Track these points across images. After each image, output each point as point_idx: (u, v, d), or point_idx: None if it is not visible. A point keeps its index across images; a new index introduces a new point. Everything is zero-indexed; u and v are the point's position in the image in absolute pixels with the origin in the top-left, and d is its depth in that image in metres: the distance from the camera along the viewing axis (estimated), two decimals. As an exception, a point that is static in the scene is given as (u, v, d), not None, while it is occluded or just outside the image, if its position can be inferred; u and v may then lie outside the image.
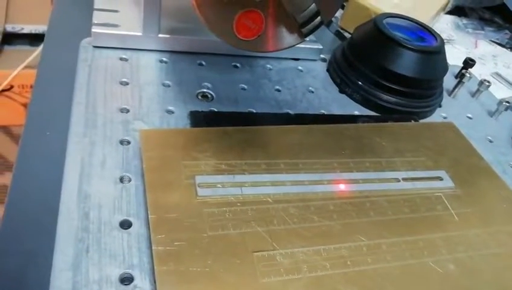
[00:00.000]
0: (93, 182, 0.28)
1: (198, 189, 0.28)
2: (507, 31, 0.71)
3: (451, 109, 0.45)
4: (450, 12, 0.72)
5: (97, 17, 0.39)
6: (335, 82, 0.44)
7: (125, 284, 0.24)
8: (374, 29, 0.42)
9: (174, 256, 0.24)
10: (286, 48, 0.30)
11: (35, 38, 1.16)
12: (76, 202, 0.27)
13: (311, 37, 0.30)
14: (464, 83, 0.47)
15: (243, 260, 0.25)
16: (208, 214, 0.27)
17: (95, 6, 0.40)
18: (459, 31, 0.70)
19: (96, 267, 0.24)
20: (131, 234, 0.26)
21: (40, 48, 1.08)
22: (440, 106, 0.45)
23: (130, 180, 0.29)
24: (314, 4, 0.28)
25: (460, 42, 0.67)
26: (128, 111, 0.34)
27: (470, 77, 0.47)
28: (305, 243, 0.27)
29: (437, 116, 0.44)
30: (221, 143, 0.32)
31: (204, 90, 0.38)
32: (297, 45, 0.31)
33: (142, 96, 0.35)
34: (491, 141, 0.43)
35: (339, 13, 0.56)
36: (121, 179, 0.29)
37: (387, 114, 0.41)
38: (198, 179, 0.28)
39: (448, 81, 0.47)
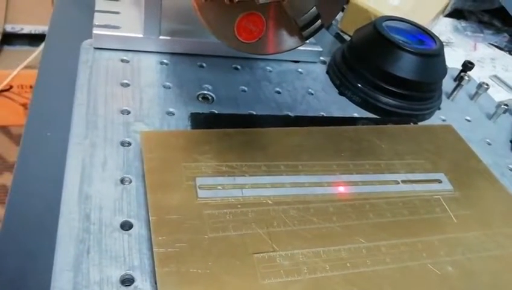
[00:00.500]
0: (94, 183, 0.28)
1: (198, 191, 0.28)
2: (506, 34, 0.72)
3: (450, 112, 0.46)
4: (449, 15, 0.72)
5: (98, 19, 0.39)
6: (335, 84, 0.44)
7: (126, 286, 0.24)
8: (373, 32, 0.42)
9: (175, 257, 0.24)
10: (287, 51, 0.30)
11: (34, 39, 1.17)
12: (77, 203, 0.27)
13: (311, 39, 0.30)
14: (462, 85, 0.47)
15: (243, 261, 0.25)
16: (208, 215, 0.27)
17: (96, 8, 0.40)
18: (458, 34, 0.70)
19: (97, 268, 0.24)
20: (132, 236, 0.26)
21: (40, 48, 1.08)
22: (439, 109, 0.45)
23: (130, 182, 0.29)
24: (314, 7, 0.28)
25: (459, 45, 0.67)
26: (129, 112, 0.34)
27: (469, 80, 0.47)
28: (305, 244, 0.27)
29: (436, 119, 0.44)
30: (222, 145, 0.32)
31: (205, 92, 0.38)
32: (297, 47, 0.31)
33: (142, 98, 0.36)
34: (489, 144, 0.43)
35: (338, 16, 0.56)
36: (122, 181, 0.29)
37: (386, 116, 0.41)
38: (199, 180, 0.29)
39: (447, 83, 0.47)
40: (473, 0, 0.72)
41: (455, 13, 0.73)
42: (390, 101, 0.41)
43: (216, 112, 0.37)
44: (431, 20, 0.60)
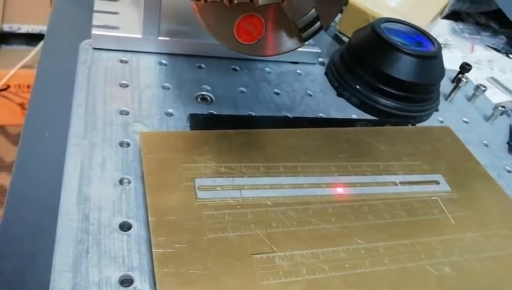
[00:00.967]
0: (93, 184, 0.28)
1: (197, 191, 0.28)
2: (503, 36, 0.72)
3: (448, 113, 0.46)
4: (446, 17, 0.73)
5: (97, 19, 0.39)
6: (333, 86, 0.44)
7: (125, 286, 0.24)
8: (371, 34, 0.42)
9: (174, 258, 0.24)
10: (286, 52, 0.31)
11: (32, 38, 1.16)
12: (76, 204, 0.27)
13: (310, 40, 0.30)
14: (460, 87, 0.47)
15: (243, 262, 0.25)
16: (207, 216, 0.27)
17: (95, 8, 0.40)
18: (456, 36, 0.70)
19: (96, 268, 0.24)
20: (131, 236, 0.26)
21: (37, 47, 1.08)
22: (437, 110, 0.45)
23: (129, 183, 0.29)
24: (314, 9, 0.28)
25: (456, 47, 0.68)
26: (128, 113, 0.34)
27: (466, 82, 0.47)
28: (304, 245, 0.27)
29: (434, 120, 0.44)
30: (221, 146, 0.32)
31: (204, 92, 0.38)
32: (296, 49, 0.31)
33: (141, 99, 0.36)
34: (486, 145, 0.43)
35: (337, 17, 0.56)
36: (121, 181, 0.29)
37: (384, 118, 0.42)
38: (198, 181, 0.29)
39: (445, 85, 0.47)
40: (470, 2, 0.73)
41: (453, 15, 0.73)
42: (389, 102, 0.42)
43: (215, 112, 0.37)
44: (429, 22, 0.61)
